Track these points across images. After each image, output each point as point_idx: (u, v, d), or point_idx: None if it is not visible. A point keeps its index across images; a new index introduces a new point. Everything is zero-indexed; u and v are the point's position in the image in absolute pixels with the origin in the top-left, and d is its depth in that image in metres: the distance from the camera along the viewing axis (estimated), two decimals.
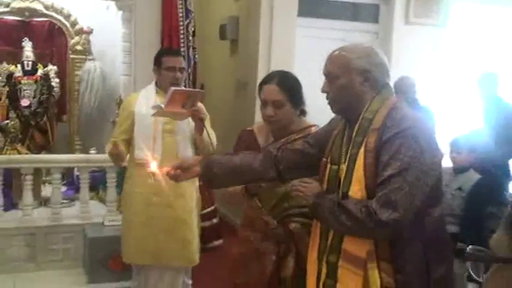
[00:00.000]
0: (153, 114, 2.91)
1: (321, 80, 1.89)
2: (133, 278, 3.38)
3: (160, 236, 3.12)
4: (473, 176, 3.43)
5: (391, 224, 1.58)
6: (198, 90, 2.90)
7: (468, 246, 3.07)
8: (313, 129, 2.38)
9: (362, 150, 1.70)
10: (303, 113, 2.42)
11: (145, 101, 3.15)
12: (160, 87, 3.18)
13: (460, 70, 5.65)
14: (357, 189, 1.68)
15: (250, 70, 5.18)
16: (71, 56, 5.72)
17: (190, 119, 2.99)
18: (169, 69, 3.13)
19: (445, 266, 1.73)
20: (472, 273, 1.11)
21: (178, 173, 2.00)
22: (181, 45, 4.70)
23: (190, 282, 3.47)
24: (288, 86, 2.31)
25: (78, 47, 5.66)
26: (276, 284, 2.35)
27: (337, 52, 1.83)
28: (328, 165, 1.86)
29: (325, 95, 1.87)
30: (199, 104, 2.93)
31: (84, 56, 5.66)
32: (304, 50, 5.00)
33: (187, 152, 3.17)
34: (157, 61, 3.18)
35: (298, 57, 4.98)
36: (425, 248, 1.69)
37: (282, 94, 2.28)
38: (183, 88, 2.85)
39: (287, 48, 5.02)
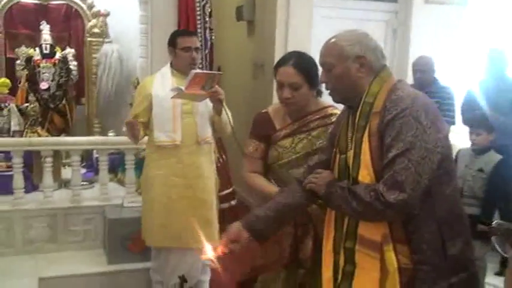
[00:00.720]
0: (173, 97, 2.91)
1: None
2: (153, 259, 3.41)
3: (181, 217, 3.14)
4: (494, 157, 3.38)
5: (400, 204, 1.58)
6: (216, 72, 2.90)
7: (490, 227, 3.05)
8: (330, 109, 2.37)
9: (366, 134, 1.70)
10: (319, 93, 2.40)
11: (162, 83, 3.15)
12: (176, 68, 3.17)
13: (480, 50, 5.53)
14: (365, 174, 1.69)
15: (267, 51, 5.13)
16: (88, 39, 5.74)
17: (207, 100, 2.99)
18: (185, 50, 3.12)
19: (461, 241, 1.71)
20: (498, 248, 1.10)
21: (234, 246, 1.98)
22: (198, 26, 4.69)
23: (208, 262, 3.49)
24: (304, 67, 2.28)
25: (95, 30, 5.68)
26: (294, 266, 2.36)
27: (330, 41, 1.83)
28: (337, 156, 1.86)
29: None
30: (217, 86, 2.93)
31: (101, 39, 5.69)
32: (322, 31, 4.91)
33: (207, 132, 3.18)
34: (172, 42, 3.17)
35: (315, 38, 4.91)
36: (440, 225, 1.68)
37: (299, 76, 2.26)
38: (203, 71, 2.86)
39: (304, 29, 4.95)
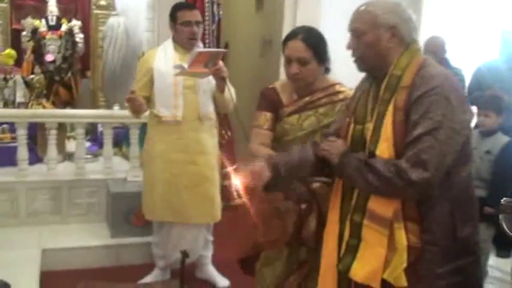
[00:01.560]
0: (176, 74, 2.87)
1: (348, 37, 1.82)
2: (155, 233, 3.42)
3: (183, 192, 3.13)
4: (502, 139, 3.32)
5: (421, 183, 1.55)
6: (220, 49, 2.85)
7: (498, 211, 3.02)
8: (338, 86, 2.33)
9: (391, 107, 1.65)
10: (327, 70, 2.35)
11: (164, 58, 3.11)
12: (178, 43, 3.12)
13: (492, 30, 5.43)
14: (384, 148, 1.64)
15: (275, 27, 5.06)
16: (95, 11, 5.69)
17: (210, 76, 2.95)
18: (186, 24, 3.06)
19: (470, 226, 1.70)
20: (505, 227, 1.07)
21: (255, 182, 1.91)
22: (206, 0, 4.61)
23: (211, 238, 3.50)
24: (313, 42, 2.23)
25: (102, 2, 5.63)
26: (296, 244, 2.34)
27: (363, 8, 1.76)
28: (352, 125, 1.81)
29: (348, 56, 1.80)
30: (221, 63, 2.88)
31: (107, 12, 5.63)
32: (331, 6, 4.84)
33: (209, 109, 3.15)
34: (173, 16, 3.12)
35: (325, 13, 4.83)
36: (453, 207, 1.65)
37: (307, 51, 2.21)
38: (207, 49, 2.82)
39: (314, 5, 4.87)
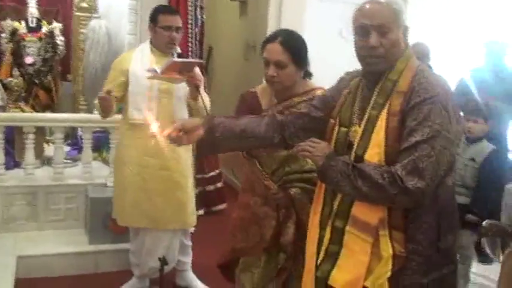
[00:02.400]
0: (149, 77, 2.82)
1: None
2: (131, 241, 3.35)
3: (155, 198, 3.08)
4: (487, 147, 3.30)
5: (416, 192, 1.50)
6: (197, 60, 2.80)
7: (481, 218, 3.00)
8: (318, 92, 2.28)
9: (384, 112, 1.60)
10: (308, 75, 2.31)
11: (141, 60, 3.05)
12: (156, 46, 3.07)
13: (476, 39, 5.47)
14: (374, 153, 1.59)
15: (259, 32, 5.04)
16: (76, 13, 5.59)
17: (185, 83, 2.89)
18: (166, 29, 3.00)
19: (453, 235, 1.68)
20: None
21: (180, 136, 1.85)
22: (189, 4, 4.56)
23: (190, 244, 3.44)
24: (292, 45, 2.19)
25: (84, 4, 5.53)
26: (275, 250, 2.29)
27: (383, 3, 1.65)
28: (337, 127, 1.75)
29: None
30: (196, 70, 2.81)
31: (89, 14, 5.53)
32: (315, 12, 4.83)
33: (184, 115, 3.09)
34: (153, 18, 3.06)
35: (309, 19, 4.82)
36: (439, 217, 1.62)
37: (285, 54, 2.17)
38: (183, 60, 2.77)
39: (298, 10, 4.86)
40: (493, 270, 3.66)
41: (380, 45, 1.62)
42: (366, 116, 1.65)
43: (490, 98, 3.82)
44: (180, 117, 3.04)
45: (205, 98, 2.91)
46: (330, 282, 1.68)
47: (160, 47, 3.05)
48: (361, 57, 1.69)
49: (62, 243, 3.78)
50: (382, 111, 1.61)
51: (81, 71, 5.53)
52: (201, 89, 2.90)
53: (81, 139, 4.47)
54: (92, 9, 5.51)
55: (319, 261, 1.73)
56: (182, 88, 2.98)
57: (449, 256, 1.68)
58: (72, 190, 4.02)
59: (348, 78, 1.83)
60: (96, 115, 4.57)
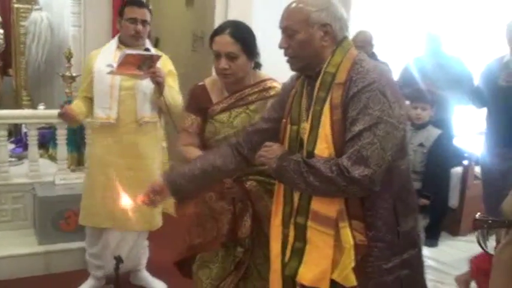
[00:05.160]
0: (108, 73, 2.77)
1: (280, 33, 1.79)
2: (90, 243, 3.27)
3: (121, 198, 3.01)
4: (434, 132, 3.42)
5: (364, 180, 1.53)
6: (155, 54, 2.75)
7: (432, 201, 3.11)
8: (269, 82, 2.30)
9: (327, 106, 1.63)
10: (258, 65, 2.32)
11: (105, 56, 2.99)
12: (122, 40, 3.01)
13: (418, 26, 5.62)
14: (323, 147, 1.61)
15: (206, 23, 5.01)
16: (15, 5, 5.36)
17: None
18: (131, 21, 2.94)
19: (413, 218, 1.72)
20: (481, 242, 1.07)
21: (155, 198, 1.96)
22: None
23: (146, 243, 3.39)
24: (242, 36, 2.19)
25: None
26: (232, 245, 2.30)
27: (294, 5, 1.73)
28: (288, 126, 1.79)
29: (280, 52, 1.77)
30: (158, 66, 2.77)
31: (29, 6, 5.31)
32: (263, 2, 4.83)
33: (146, 111, 3.03)
34: (120, 12, 3.01)
35: (256, 9, 4.82)
36: (395, 201, 1.66)
37: (236, 45, 2.17)
38: (138, 52, 2.71)
39: (245, 0, 4.85)
40: (441, 253, 3.84)
41: (288, 46, 1.73)
42: (311, 112, 1.68)
43: (431, 85, 3.94)
44: (142, 114, 3.00)
45: (175, 93, 2.91)
46: (298, 278, 1.70)
47: (126, 40, 2.98)
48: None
49: (9, 244, 3.65)
50: (324, 106, 1.64)
51: (23, 65, 5.33)
52: (174, 83, 2.87)
53: (26, 136, 4.31)
54: (32, 1, 5.29)
55: (286, 259, 1.74)
56: (148, 84, 2.91)
57: (411, 239, 1.72)
58: (19, 189, 3.88)
59: (294, 78, 1.88)
60: (41, 111, 4.44)
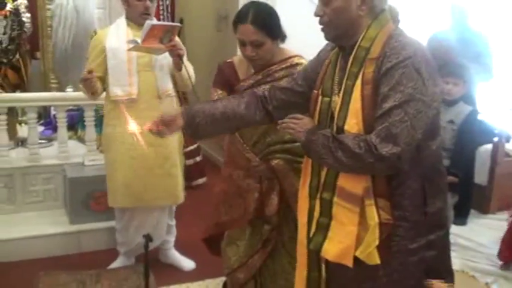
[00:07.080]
0: (129, 49, 2.76)
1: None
2: (117, 219, 3.32)
3: (144, 175, 3.04)
4: (465, 108, 3.31)
5: (392, 158, 1.49)
6: (175, 24, 2.73)
7: (460, 179, 3.04)
8: (296, 59, 2.28)
9: (359, 81, 1.58)
10: (283, 39, 2.29)
11: (117, 35, 2.97)
12: (131, 19, 3.00)
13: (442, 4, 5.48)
14: (353, 123, 1.58)
15: (230, 2, 4.97)
16: None
17: (167, 53, 2.84)
18: None
19: (440, 199, 1.68)
20: None
21: (162, 129, 1.91)
22: None
23: (174, 223, 3.43)
24: (264, 22, 2.17)
25: None
26: (259, 222, 2.31)
27: None
28: (320, 98, 1.75)
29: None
30: (177, 39, 2.77)
31: None
32: None
33: (167, 86, 3.03)
34: None
35: None
36: (424, 182, 1.62)
37: (259, 33, 2.15)
38: (160, 22, 2.69)
39: None
40: (470, 231, 3.78)
41: (323, 14, 1.66)
42: (343, 87, 1.64)
43: (457, 59, 3.82)
44: (164, 88, 3.00)
45: (189, 68, 2.87)
46: (322, 253, 1.70)
47: (135, 19, 2.97)
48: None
49: (42, 224, 3.73)
50: (356, 81, 1.60)
51: (50, 48, 5.38)
52: (185, 59, 2.85)
53: (55, 118, 4.38)
54: None
55: (311, 234, 1.74)
56: (164, 59, 2.92)
57: (438, 220, 1.68)
58: (49, 170, 3.95)
59: (329, 48, 1.82)
60: (69, 93, 4.50)
